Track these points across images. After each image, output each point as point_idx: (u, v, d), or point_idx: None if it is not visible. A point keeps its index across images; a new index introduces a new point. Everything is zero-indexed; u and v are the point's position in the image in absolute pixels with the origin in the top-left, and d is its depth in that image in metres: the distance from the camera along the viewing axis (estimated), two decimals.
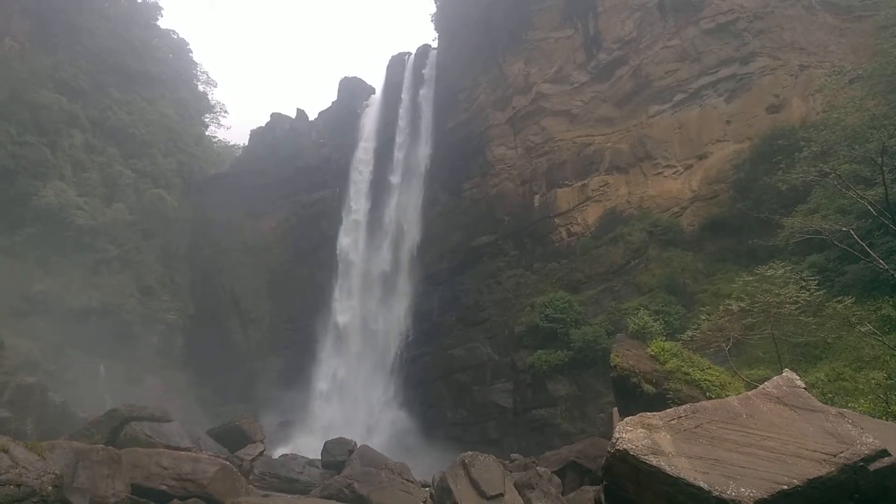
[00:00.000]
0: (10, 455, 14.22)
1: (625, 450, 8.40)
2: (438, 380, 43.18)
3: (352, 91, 65.67)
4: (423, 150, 53.86)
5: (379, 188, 55.87)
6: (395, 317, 50.35)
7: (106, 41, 64.86)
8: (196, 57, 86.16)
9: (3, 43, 54.88)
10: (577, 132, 44.14)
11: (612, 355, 21.77)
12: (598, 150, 42.89)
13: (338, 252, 56.48)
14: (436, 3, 60.29)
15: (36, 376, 36.10)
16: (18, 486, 13.52)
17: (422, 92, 56.29)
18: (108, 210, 55.56)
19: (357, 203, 57.35)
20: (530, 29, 46.98)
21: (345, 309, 54.12)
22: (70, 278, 50.59)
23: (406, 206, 53.19)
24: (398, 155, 55.50)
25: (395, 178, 54.91)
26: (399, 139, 55.96)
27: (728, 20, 38.75)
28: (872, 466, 7.73)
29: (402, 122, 56.37)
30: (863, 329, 18.49)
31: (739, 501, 7.24)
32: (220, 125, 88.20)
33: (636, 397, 19.21)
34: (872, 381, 16.09)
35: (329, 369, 52.32)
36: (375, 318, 52.07)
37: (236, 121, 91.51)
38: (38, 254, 49.74)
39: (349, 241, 56.35)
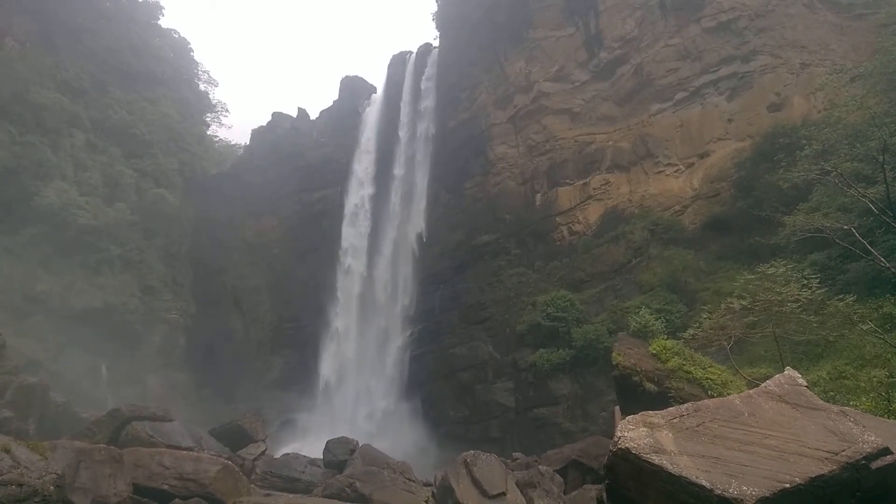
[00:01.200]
0: (12, 455, 14.24)
1: (627, 448, 8.40)
2: (440, 379, 43.18)
3: (353, 90, 65.65)
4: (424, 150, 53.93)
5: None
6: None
7: (107, 41, 64.87)
8: (197, 56, 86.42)
9: (4, 43, 54.89)
10: (579, 131, 44.12)
11: (613, 354, 21.76)
12: (599, 149, 42.87)
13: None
14: (437, 2, 60.30)
15: (38, 376, 36.13)
16: (20, 485, 13.53)
17: (423, 91, 56.28)
18: (110, 210, 55.60)
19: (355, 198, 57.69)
20: (531, 28, 46.95)
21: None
22: (72, 278, 50.64)
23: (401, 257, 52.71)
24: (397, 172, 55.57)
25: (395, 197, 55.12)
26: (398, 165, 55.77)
27: (729, 18, 38.68)
28: (874, 464, 7.73)
29: (403, 126, 56.30)
30: (864, 327, 18.43)
31: (741, 500, 7.23)
32: (221, 124, 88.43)
33: (638, 396, 19.19)
34: (874, 380, 16.04)
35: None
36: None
37: (237, 120, 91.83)
38: (39, 254, 49.78)
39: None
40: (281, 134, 67.01)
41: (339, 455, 30.12)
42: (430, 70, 56.83)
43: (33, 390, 32.49)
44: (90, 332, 48.37)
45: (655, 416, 9.17)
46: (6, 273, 46.70)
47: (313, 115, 68.46)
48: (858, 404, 14.06)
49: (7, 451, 14.21)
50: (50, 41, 59.23)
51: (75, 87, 59.00)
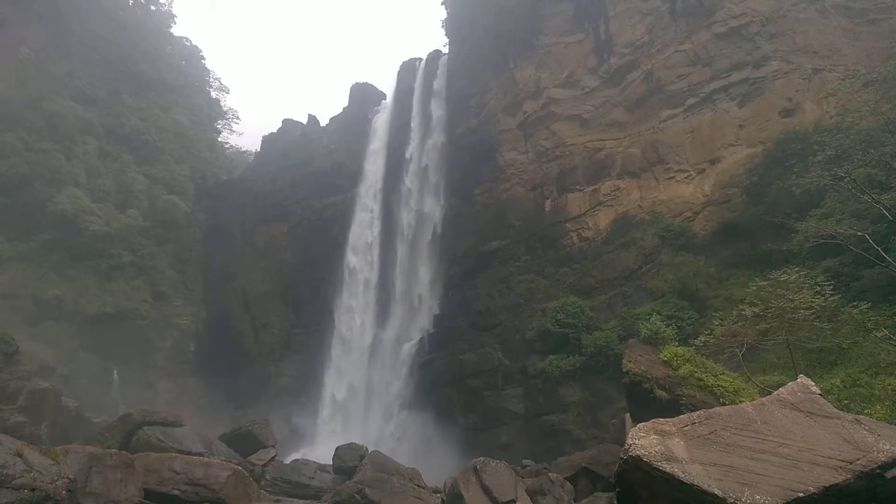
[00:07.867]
0: (25, 459, 14.32)
1: (638, 456, 8.35)
2: (450, 385, 43.01)
3: (363, 97, 65.94)
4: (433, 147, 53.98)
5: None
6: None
7: (120, 49, 65.65)
8: (209, 64, 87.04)
9: (18, 51, 55.65)
10: (589, 137, 44.04)
11: (624, 361, 21.70)
12: (609, 155, 42.77)
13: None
14: (446, 8, 60.51)
15: (50, 381, 36.43)
16: (33, 490, 13.62)
17: (432, 97, 56.40)
18: (122, 216, 56.08)
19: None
20: (541, 34, 46.98)
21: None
22: (84, 284, 51.08)
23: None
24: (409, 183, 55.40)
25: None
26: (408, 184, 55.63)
27: (740, 24, 38.57)
28: (889, 474, 7.64)
29: (413, 133, 56.31)
30: (879, 334, 18.23)
31: None
32: (232, 131, 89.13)
33: (649, 403, 19.10)
34: (889, 388, 15.90)
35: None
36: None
37: (248, 127, 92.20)
38: (52, 259, 50.26)
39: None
40: (291, 140, 67.37)
41: (349, 461, 30.10)
42: (439, 76, 56.93)
43: (45, 395, 32.76)
44: (102, 337, 48.75)
45: (667, 424, 9.11)
46: (19, 278, 47.21)
47: (323, 121, 68.89)
48: (873, 413, 13.93)
49: (20, 456, 14.30)
50: (63, 49, 60.00)
51: (88, 95, 59.70)
